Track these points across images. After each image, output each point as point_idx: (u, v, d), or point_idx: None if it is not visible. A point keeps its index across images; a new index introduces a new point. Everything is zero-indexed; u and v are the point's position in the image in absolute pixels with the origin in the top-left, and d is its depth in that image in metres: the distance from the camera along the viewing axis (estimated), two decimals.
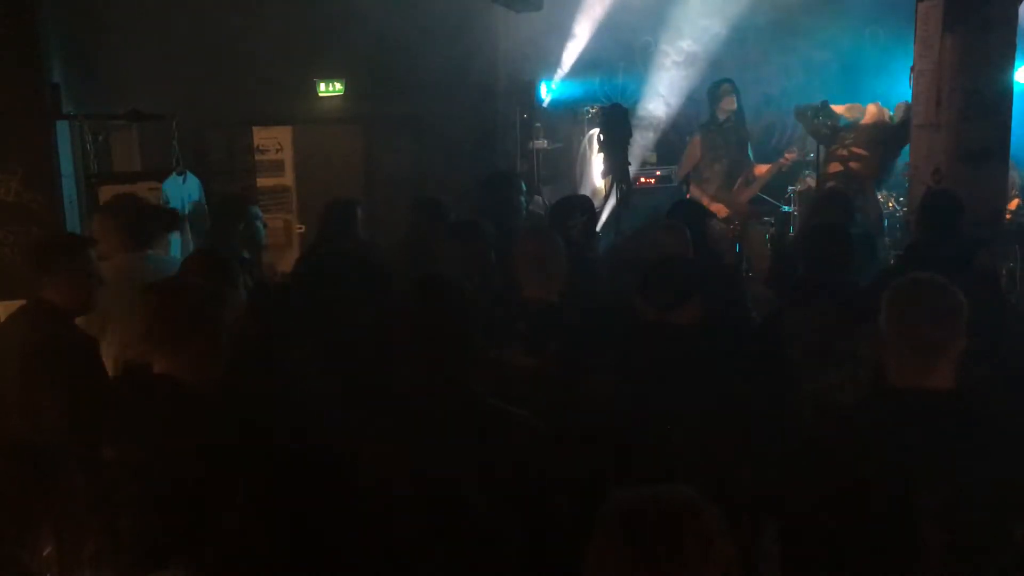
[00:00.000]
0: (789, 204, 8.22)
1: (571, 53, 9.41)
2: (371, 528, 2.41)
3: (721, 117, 7.84)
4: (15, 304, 4.83)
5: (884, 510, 2.34)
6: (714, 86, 8.06)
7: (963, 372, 2.44)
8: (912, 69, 6.10)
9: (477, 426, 2.42)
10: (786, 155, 7.97)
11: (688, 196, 7.66)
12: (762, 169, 8.01)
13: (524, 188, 5.72)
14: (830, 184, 7.39)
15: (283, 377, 3.30)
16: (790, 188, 8.27)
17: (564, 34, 9.28)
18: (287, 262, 6.04)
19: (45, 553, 1.64)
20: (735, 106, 7.86)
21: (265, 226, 5.32)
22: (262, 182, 8.88)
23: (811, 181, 8.14)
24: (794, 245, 6.24)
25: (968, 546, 2.31)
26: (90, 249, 3.72)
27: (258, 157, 9.00)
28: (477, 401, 2.47)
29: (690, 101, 9.92)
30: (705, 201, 7.65)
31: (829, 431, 2.65)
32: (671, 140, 9.89)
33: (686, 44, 9.69)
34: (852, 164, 7.43)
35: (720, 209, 7.74)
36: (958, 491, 2.30)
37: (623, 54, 9.72)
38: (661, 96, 10.00)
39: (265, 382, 3.18)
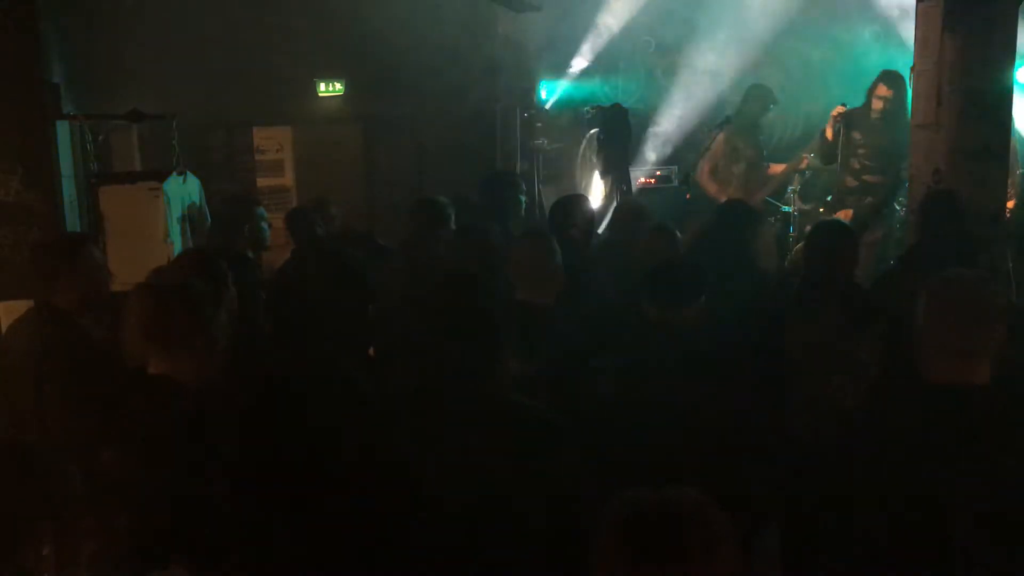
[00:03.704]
0: (789, 204, 8.22)
1: (571, 53, 9.41)
2: (398, 526, 2.40)
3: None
4: (15, 304, 4.85)
5: (919, 508, 2.33)
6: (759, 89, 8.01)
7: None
8: (912, 69, 6.09)
9: (507, 425, 2.42)
10: (804, 157, 7.92)
11: (688, 196, 7.64)
12: (776, 168, 7.98)
13: (524, 188, 5.74)
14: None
15: (283, 375, 3.30)
16: (789, 188, 8.27)
17: (564, 34, 9.27)
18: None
19: (44, 553, 1.64)
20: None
21: (270, 226, 5.33)
22: (262, 182, 8.88)
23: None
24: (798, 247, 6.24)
25: (1004, 543, 2.30)
26: (91, 246, 3.68)
27: (258, 157, 8.99)
28: (507, 401, 2.46)
29: (690, 101, 9.92)
30: (723, 199, 7.59)
31: (867, 428, 2.62)
32: (671, 140, 9.90)
33: (686, 44, 9.68)
34: (866, 177, 7.24)
35: None
36: (994, 487, 2.29)
37: (623, 54, 9.72)
38: (661, 96, 10.01)
39: (262, 381, 3.17)
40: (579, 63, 9.48)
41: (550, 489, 2.35)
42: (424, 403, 2.50)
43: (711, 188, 7.88)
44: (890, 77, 7.07)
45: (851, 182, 7.26)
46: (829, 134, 7.24)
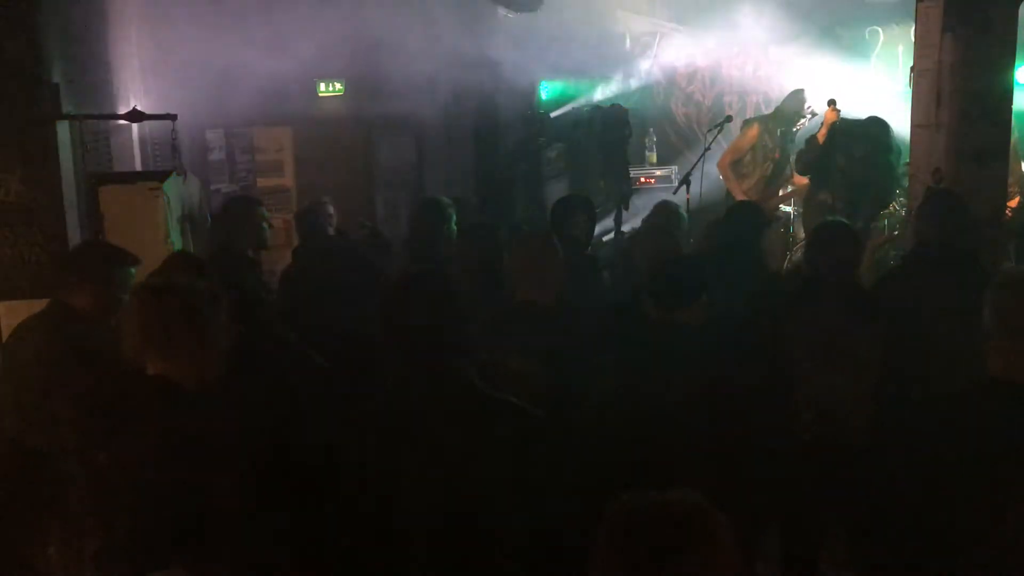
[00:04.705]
0: (788, 204, 8.23)
1: (571, 53, 9.42)
2: (372, 524, 2.40)
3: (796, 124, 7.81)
4: (15, 304, 4.84)
5: (976, 500, 2.33)
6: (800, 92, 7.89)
7: None
8: (912, 69, 6.09)
9: (474, 417, 2.41)
10: None
11: (688, 196, 7.64)
12: (800, 181, 7.91)
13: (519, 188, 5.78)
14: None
15: (279, 375, 3.30)
16: (789, 187, 8.27)
17: (565, 34, 9.28)
18: (287, 263, 6.04)
19: (50, 551, 1.64)
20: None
21: (271, 227, 5.33)
22: (262, 182, 8.87)
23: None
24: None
25: None
26: (129, 266, 3.72)
27: (258, 157, 8.99)
28: (474, 392, 2.45)
29: (690, 101, 9.94)
30: (740, 195, 7.55)
31: (930, 420, 2.61)
32: (671, 140, 9.91)
33: (687, 44, 9.69)
34: (839, 205, 6.92)
35: None
36: None
37: (623, 54, 9.73)
38: (661, 96, 10.01)
39: (261, 381, 3.18)
40: (579, 63, 9.48)
41: (524, 482, 2.33)
42: (394, 397, 2.50)
43: (729, 180, 7.83)
44: (875, 127, 6.92)
45: (825, 197, 7.00)
46: (821, 138, 7.12)
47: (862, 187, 6.90)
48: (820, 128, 7.15)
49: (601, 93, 9.67)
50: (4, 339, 4.15)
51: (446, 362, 2.45)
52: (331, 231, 5.49)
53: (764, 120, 7.96)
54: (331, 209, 5.75)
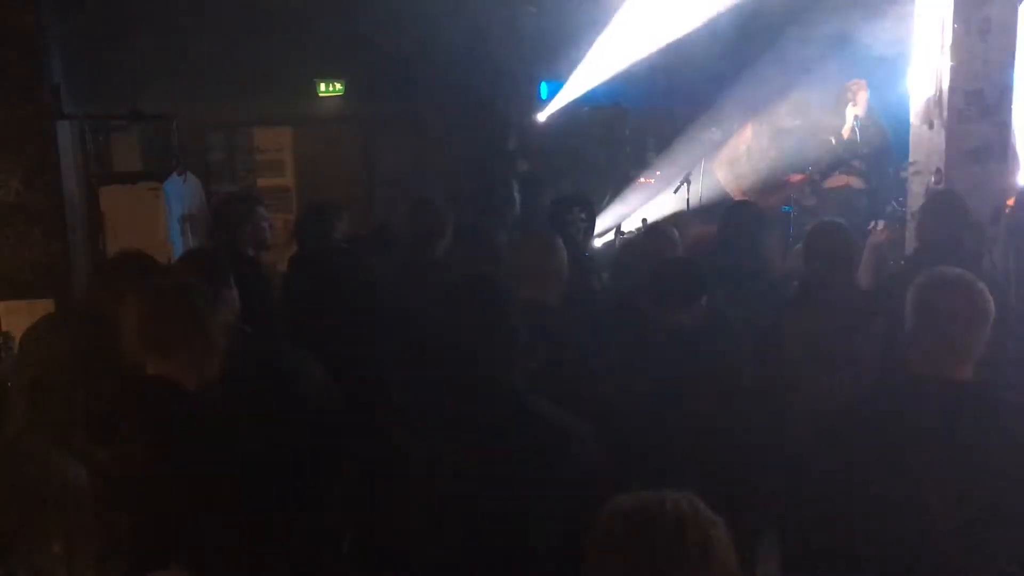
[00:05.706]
0: (788, 203, 8.22)
1: (572, 53, 9.41)
2: (392, 525, 2.39)
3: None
4: (15, 304, 4.85)
5: (893, 490, 2.36)
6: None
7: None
8: (912, 69, 6.09)
9: (525, 431, 2.32)
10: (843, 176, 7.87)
11: (688, 196, 7.64)
12: (796, 179, 7.94)
13: (517, 187, 5.76)
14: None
15: (283, 376, 3.30)
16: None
17: (565, 34, 9.26)
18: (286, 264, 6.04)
19: (55, 550, 1.64)
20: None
21: (271, 226, 5.31)
22: (262, 182, 8.88)
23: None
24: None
25: (978, 530, 2.33)
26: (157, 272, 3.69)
27: (258, 157, 9.00)
28: (519, 402, 2.37)
29: (689, 101, 9.91)
30: (738, 194, 7.59)
31: (849, 411, 2.65)
32: (671, 140, 9.89)
33: (687, 44, 9.66)
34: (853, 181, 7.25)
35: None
36: (973, 477, 2.32)
37: (623, 54, 9.71)
38: (661, 96, 9.99)
39: (263, 382, 3.17)
40: (579, 62, 9.48)
41: (570, 499, 2.25)
42: (436, 407, 2.44)
43: (726, 180, 7.85)
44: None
45: (841, 180, 7.24)
46: (846, 134, 7.18)
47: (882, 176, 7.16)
48: (845, 126, 7.26)
49: (602, 92, 9.66)
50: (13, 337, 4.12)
51: (493, 371, 2.36)
52: (336, 235, 5.42)
53: (758, 120, 7.98)
54: (340, 216, 5.66)
